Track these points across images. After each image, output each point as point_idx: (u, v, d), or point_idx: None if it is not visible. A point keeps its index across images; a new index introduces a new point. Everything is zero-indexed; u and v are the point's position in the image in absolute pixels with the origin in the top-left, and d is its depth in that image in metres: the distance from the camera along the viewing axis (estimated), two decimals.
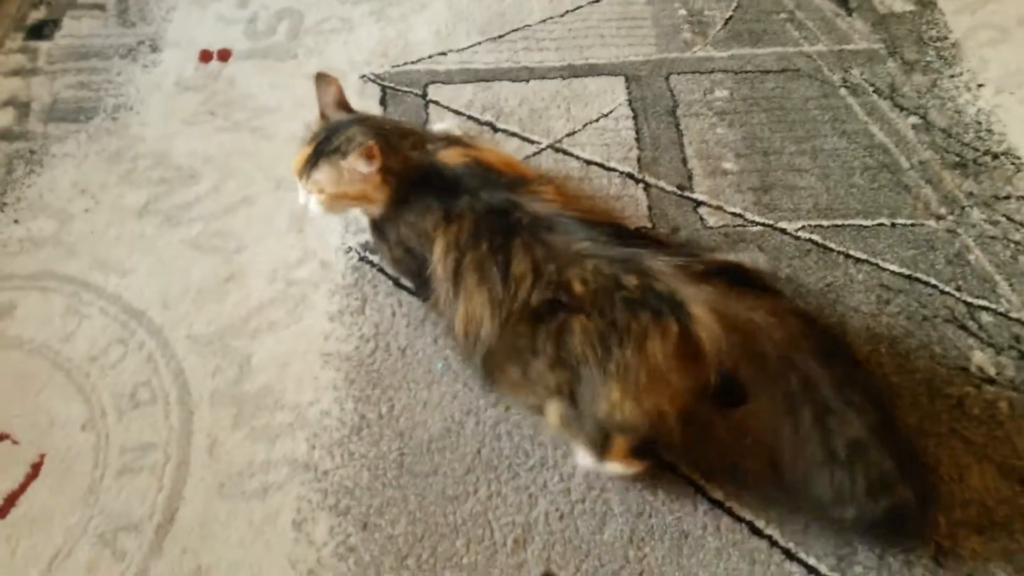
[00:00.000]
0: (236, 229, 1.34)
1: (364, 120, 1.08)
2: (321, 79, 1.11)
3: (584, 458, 1.02)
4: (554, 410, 0.96)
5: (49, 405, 1.15)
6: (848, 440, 0.88)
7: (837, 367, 0.88)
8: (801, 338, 0.87)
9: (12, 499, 1.07)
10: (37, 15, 1.71)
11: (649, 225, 1.31)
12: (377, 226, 1.12)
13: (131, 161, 1.45)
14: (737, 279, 0.89)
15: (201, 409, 1.14)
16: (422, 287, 1.13)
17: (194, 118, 1.51)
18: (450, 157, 1.06)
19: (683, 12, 1.64)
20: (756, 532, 1.01)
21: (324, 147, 1.03)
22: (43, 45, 1.66)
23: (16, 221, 1.37)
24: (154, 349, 1.20)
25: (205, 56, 1.62)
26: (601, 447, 0.97)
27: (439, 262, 1.00)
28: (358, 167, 0.99)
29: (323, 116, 1.10)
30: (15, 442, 1.12)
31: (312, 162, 1.04)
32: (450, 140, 1.11)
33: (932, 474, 1.03)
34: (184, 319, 1.23)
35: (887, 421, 0.91)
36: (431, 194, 1.02)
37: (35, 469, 1.09)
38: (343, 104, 1.11)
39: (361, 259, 1.30)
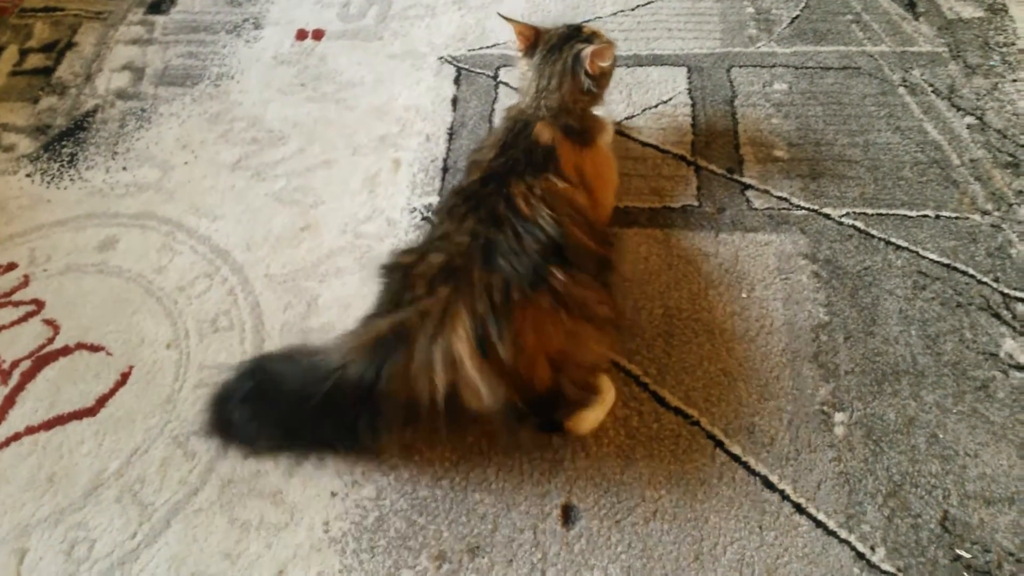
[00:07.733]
0: (315, 186, 1.48)
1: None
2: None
3: None
4: None
5: (140, 325, 1.30)
6: None
7: None
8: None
9: (103, 400, 1.21)
10: None
11: (695, 204, 1.37)
12: None
13: (228, 123, 1.60)
14: None
15: (272, 338, 1.27)
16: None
17: (287, 88, 1.66)
18: (538, 130, 1.18)
19: (751, 10, 1.71)
20: (769, 486, 1.07)
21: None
22: (159, 19, 1.84)
23: (124, 168, 1.53)
24: (235, 284, 1.34)
25: (301, 35, 1.78)
26: None
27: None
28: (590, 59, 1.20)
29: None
30: (109, 353, 1.27)
31: None
32: (576, 125, 1.21)
33: None
34: (263, 260, 1.37)
35: None
36: (507, 143, 1.17)
37: (124, 377, 1.24)
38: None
39: (424, 219, 1.40)
